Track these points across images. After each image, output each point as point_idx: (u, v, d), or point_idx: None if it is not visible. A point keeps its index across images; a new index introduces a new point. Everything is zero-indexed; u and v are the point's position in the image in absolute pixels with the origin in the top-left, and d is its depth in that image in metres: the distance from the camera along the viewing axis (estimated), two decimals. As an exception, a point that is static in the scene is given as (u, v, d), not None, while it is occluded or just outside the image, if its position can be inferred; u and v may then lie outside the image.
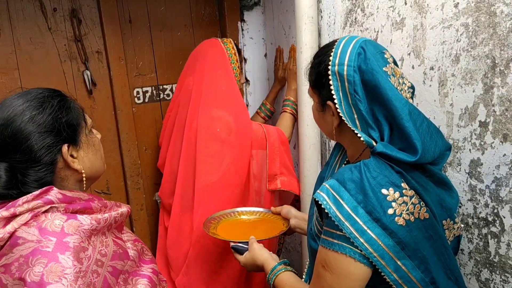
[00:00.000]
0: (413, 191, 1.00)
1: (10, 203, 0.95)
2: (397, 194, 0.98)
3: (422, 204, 1.01)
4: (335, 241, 0.99)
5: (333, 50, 1.09)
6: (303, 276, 1.40)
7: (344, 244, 0.98)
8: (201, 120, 1.90)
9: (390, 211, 0.97)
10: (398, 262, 0.98)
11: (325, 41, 1.85)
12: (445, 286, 1.05)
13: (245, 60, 2.57)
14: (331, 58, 1.08)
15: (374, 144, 1.02)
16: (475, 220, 1.23)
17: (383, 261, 0.97)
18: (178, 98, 2.07)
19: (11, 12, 1.97)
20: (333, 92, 1.06)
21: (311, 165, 1.93)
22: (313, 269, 1.11)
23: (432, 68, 1.31)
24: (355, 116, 1.05)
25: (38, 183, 0.99)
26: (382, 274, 0.98)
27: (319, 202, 1.01)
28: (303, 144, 1.94)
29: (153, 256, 1.21)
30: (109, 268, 1.00)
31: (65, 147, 1.03)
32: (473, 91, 1.18)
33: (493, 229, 1.18)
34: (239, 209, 1.84)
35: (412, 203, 0.99)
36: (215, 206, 1.85)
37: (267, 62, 2.60)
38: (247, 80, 2.59)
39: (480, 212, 1.21)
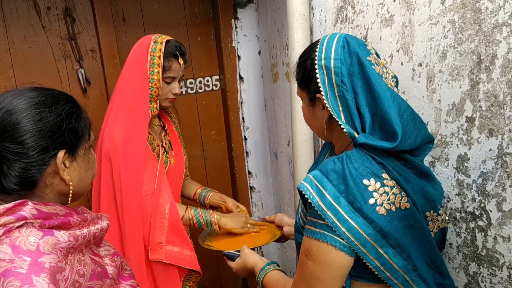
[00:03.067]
0: (394, 182, 1.03)
1: None
2: (378, 184, 1.01)
3: (403, 194, 1.04)
4: (317, 230, 1.03)
5: (318, 46, 1.12)
6: None
7: (325, 233, 1.01)
8: (103, 133, 1.76)
9: (371, 201, 1.00)
10: (380, 250, 1.01)
11: (317, 38, 1.86)
12: (426, 274, 1.08)
13: (239, 57, 2.58)
14: (316, 53, 1.11)
15: (356, 135, 1.05)
16: (463, 214, 1.25)
17: (365, 249, 1.00)
18: None
19: (5, 11, 1.98)
20: (320, 85, 1.09)
21: (304, 161, 1.95)
22: None
23: (420, 65, 1.32)
24: (340, 109, 1.08)
25: (20, 179, 0.92)
26: (365, 261, 1.02)
27: (303, 192, 1.04)
28: (295, 141, 1.96)
29: (132, 271, 1.14)
30: None
31: (61, 153, 0.96)
32: (460, 87, 1.19)
33: (480, 223, 1.20)
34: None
35: (393, 193, 1.02)
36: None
37: (261, 59, 2.61)
38: (241, 78, 2.60)
39: (467, 207, 1.23)
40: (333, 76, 1.08)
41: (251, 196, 2.81)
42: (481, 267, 1.22)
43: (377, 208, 1.00)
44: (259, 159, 2.77)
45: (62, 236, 0.90)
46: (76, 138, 0.99)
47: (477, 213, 1.20)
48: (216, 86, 2.64)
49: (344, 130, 1.07)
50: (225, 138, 2.73)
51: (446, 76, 1.23)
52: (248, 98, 2.66)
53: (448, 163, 1.28)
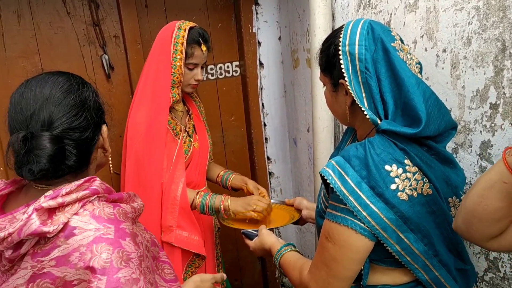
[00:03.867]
0: (416, 168, 1.04)
1: (53, 192, 0.91)
2: (400, 170, 1.02)
3: (426, 180, 1.05)
4: (338, 213, 1.05)
5: (342, 32, 1.13)
6: None
7: (346, 216, 1.04)
8: (128, 119, 1.81)
9: (393, 186, 1.01)
10: (401, 235, 1.03)
11: (339, 23, 1.86)
12: (447, 259, 1.10)
13: (259, 43, 2.58)
14: (340, 39, 1.12)
15: (379, 122, 1.06)
16: (485, 201, 1.26)
17: (386, 233, 1.02)
18: None
19: (31, -3, 2.02)
20: (343, 71, 1.10)
21: (324, 147, 1.96)
22: None
23: (444, 51, 1.32)
24: (363, 95, 1.10)
25: (79, 161, 0.97)
26: (385, 245, 1.04)
27: (325, 177, 1.06)
28: (316, 127, 1.97)
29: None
30: (150, 254, 1.02)
31: (105, 126, 1.05)
32: (484, 74, 1.19)
33: (502, 209, 1.20)
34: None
35: (415, 179, 1.03)
36: None
37: (281, 45, 2.61)
38: (261, 64, 2.61)
39: (489, 193, 1.24)
40: (357, 62, 1.09)
41: (270, 181, 2.84)
42: (501, 253, 1.23)
43: (399, 193, 1.01)
44: (278, 145, 2.79)
45: (127, 207, 1.00)
46: (103, 114, 1.07)
47: (499, 199, 1.21)
48: (236, 72, 2.65)
49: (367, 116, 1.08)
50: (245, 124, 2.75)
51: (471, 63, 1.23)
52: (268, 84, 2.67)
53: (471, 150, 1.28)
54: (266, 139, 2.77)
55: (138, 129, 1.75)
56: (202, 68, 1.83)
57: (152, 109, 1.75)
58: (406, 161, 1.04)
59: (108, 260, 0.88)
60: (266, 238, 1.45)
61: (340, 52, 1.11)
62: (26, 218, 0.87)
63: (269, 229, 1.53)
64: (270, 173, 2.82)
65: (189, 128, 1.92)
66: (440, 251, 1.08)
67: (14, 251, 0.89)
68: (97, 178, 0.98)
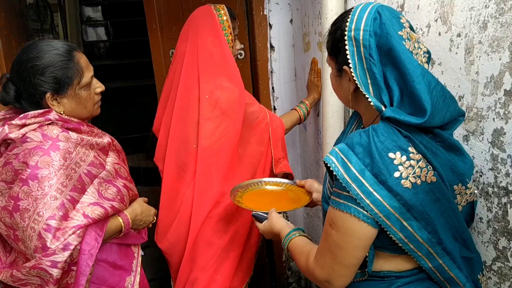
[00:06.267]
0: (421, 155, 1.03)
1: (23, 115, 1.41)
2: (404, 158, 1.02)
3: (430, 168, 1.04)
4: (342, 201, 1.05)
5: (350, 16, 1.11)
6: None
7: (349, 204, 1.04)
8: (204, 86, 1.90)
9: (396, 174, 1.01)
10: (404, 223, 1.03)
11: (351, 6, 1.81)
12: (452, 247, 1.09)
13: (270, 26, 2.55)
14: (347, 23, 1.10)
15: (384, 109, 1.05)
16: (495, 189, 1.24)
17: (389, 221, 1.02)
18: (173, 65, 2.05)
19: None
20: (348, 57, 1.09)
21: (333, 132, 1.95)
22: None
23: (459, 35, 1.29)
24: (369, 81, 1.08)
25: (30, 104, 1.44)
26: (388, 233, 1.03)
27: (328, 165, 1.06)
28: (326, 112, 1.95)
29: (129, 176, 1.68)
30: (85, 170, 1.45)
31: (48, 94, 1.44)
32: (500, 59, 1.16)
33: (513, 198, 1.18)
34: (265, 179, 1.89)
35: (419, 167, 1.02)
36: (205, 171, 1.90)
37: (293, 28, 2.58)
38: (272, 47, 2.58)
39: (500, 182, 1.21)
40: (361, 48, 1.08)
41: (278, 165, 2.83)
42: (511, 242, 1.21)
43: (402, 181, 1.01)
44: (288, 129, 2.78)
45: (73, 134, 1.46)
46: (60, 83, 1.44)
47: (510, 188, 1.19)
48: (241, 55, 2.64)
49: (371, 103, 1.06)
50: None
51: (486, 48, 1.20)
52: (279, 67, 2.64)
53: (483, 137, 1.25)
54: (275, 123, 2.75)
55: (232, 93, 1.91)
56: None
57: (239, 83, 1.94)
58: (410, 149, 1.03)
59: (36, 161, 1.36)
60: (276, 222, 1.46)
61: (345, 38, 1.09)
62: (1, 129, 1.40)
63: (278, 213, 1.52)
64: (279, 158, 2.81)
65: None
66: (444, 239, 1.08)
67: None
68: (52, 110, 1.44)
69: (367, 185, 1.01)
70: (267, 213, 1.54)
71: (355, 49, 1.09)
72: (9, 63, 2.00)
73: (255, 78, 2.65)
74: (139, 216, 1.64)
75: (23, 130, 1.39)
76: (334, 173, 1.05)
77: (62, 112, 1.47)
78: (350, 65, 1.09)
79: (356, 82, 1.09)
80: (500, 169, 1.21)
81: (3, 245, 1.46)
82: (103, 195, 1.49)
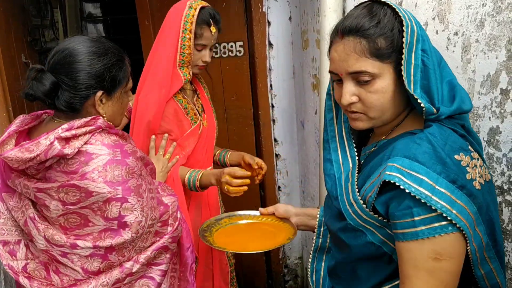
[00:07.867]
0: (476, 153, 0.98)
1: (68, 126, 1.21)
2: (467, 158, 0.94)
3: (485, 165, 0.98)
4: (435, 225, 0.90)
5: (397, 11, 1.00)
6: (313, 244, 1.39)
7: (442, 223, 0.90)
8: (138, 97, 1.79)
9: (468, 176, 0.92)
10: (476, 229, 0.93)
11: (350, 4, 1.81)
12: (502, 250, 1.02)
13: (269, 23, 2.55)
14: (402, 19, 0.99)
15: (435, 110, 0.97)
16: (491, 188, 1.23)
17: (471, 230, 0.91)
18: None
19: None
20: (404, 55, 0.98)
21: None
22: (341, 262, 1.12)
23: (456, 34, 1.28)
24: (412, 79, 0.99)
25: (67, 104, 1.26)
26: (468, 244, 0.93)
27: (397, 184, 0.91)
28: (323, 110, 1.94)
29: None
30: (144, 161, 1.39)
31: (99, 92, 1.29)
32: (496, 58, 1.15)
33: (508, 197, 1.18)
34: (234, 213, 1.63)
35: (479, 165, 0.96)
36: None
37: (291, 26, 2.57)
38: (270, 44, 2.58)
39: (496, 181, 1.21)
40: (414, 44, 0.98)
41: (276, 163, 2.83)
42: (506, 241, 1.21)
43: (474, 182, 0.93)
44: (286, 127, 2.78)
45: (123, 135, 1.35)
46: (114, 84, 1.32)
47: (505, 187, 1.19)
48: (240, 52, 2.64)
49: (422, 105, 0.96)
50: (251, 105, 2.73)
51: (483, 46, 1.19)
52: (277, 65, 2.64)
53: (478, 136, 1.25)
54: (273, 120, 2.75)
55: (151, 109, 1.74)
56: (210, 49, 1.80)
57: (164, 89, 1.73)
58: (470, 148, 0.96)
59: (119, 176, 1.25)
60: None
61: (405, 34, 0.97)
62: (50, 144, 1.18)
63: (265, 252, 1.41)
64: (276, 155, 2.82)
65: (198, 107, 1.91)
66: (499, 241, 1.00)
67: (39, 164, 1.21)
68: (100, 117, 1.28)
69: (448, 193, 0.89)
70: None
71: (414, 45, 0.99)
72: (7, 58, 2.00)
73: (253, 76, 2.65)
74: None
75: (77, 144, 1.21)
76: (406, 191, 0.90)
77: (104, 115, 1.33)
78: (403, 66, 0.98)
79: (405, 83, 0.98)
80: (496, 168, 1.21)
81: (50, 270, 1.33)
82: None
